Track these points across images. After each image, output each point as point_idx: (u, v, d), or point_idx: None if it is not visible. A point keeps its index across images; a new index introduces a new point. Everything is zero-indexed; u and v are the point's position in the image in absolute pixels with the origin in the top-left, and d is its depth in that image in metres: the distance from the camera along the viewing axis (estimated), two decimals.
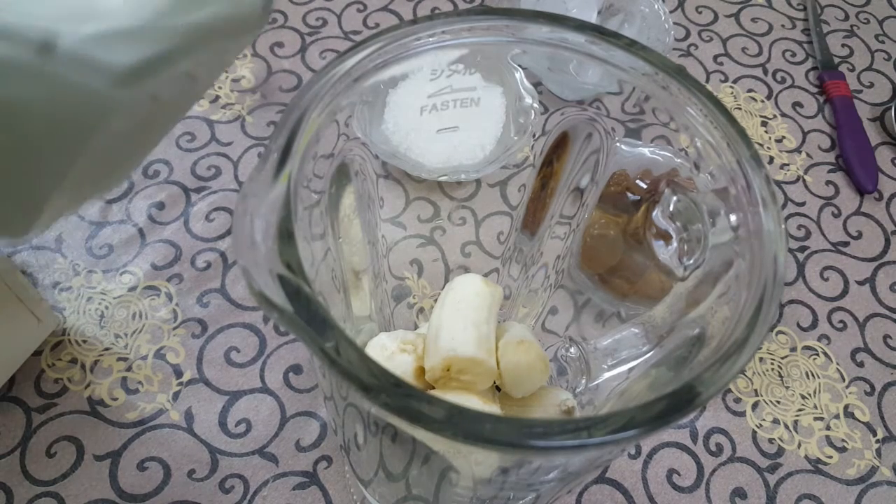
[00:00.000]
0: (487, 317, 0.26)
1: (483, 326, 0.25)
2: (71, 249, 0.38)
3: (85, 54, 0.13)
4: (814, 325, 0.40)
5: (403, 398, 0.15)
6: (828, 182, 0.46)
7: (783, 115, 0.49)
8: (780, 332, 0.39)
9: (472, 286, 0.26)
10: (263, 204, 0.17)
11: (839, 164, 0.47)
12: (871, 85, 0.51)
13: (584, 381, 0.28)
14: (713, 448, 0.35)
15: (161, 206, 0.39)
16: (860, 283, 0.42)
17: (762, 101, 0.49)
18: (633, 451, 0.34)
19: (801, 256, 0.42)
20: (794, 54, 0.52)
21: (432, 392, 0.25)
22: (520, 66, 0.26)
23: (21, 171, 0.15)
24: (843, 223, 0.44)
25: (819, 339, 0.39)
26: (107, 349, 0.35)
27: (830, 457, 0.35)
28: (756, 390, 0.37)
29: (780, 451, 0.35)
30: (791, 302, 0.40)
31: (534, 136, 0.28)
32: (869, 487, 0.35)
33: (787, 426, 0.36)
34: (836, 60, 0.52)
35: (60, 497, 0.31)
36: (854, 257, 0.43)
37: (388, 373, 0.16)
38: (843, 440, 0.36)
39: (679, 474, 0.34)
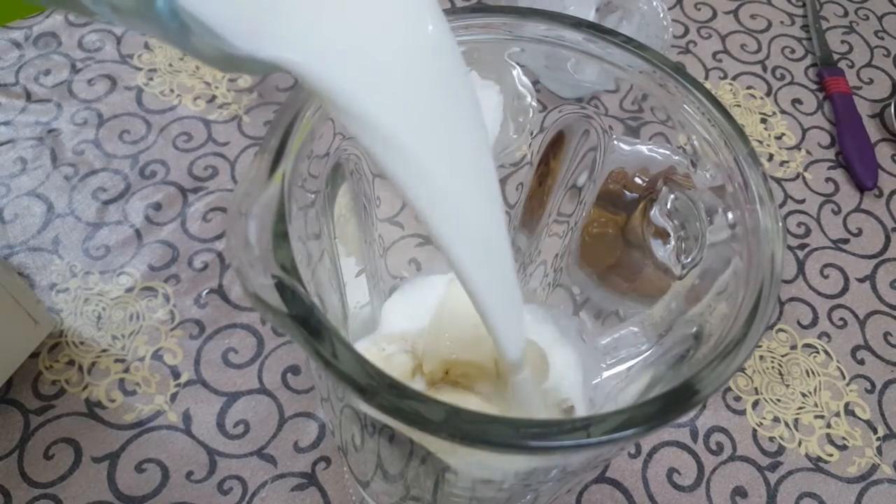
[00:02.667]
0: None
1: (482, 327, 0.25)
2: (68, 251, 0.38)
3: None
4: (814, 322, 0.40)
5: (399, 399, 0.15)
6: (827, 179, 0.46)
7: (783, 111, 0.49)
8: (780, 329, 0.39)
9: None
10: (257, 204, 0.17)
11: (839, 160, 0.47)
12: (871, 81, 0.51)
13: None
14: (713, 447, 0.35)
15: (158, 206, 0.39)
16: (860, 280, 0.41)
17: (761, 98, 0.49)
18: (633, 451, 0.34)
19: (801, 254, 0.42)
20: (793, 51, 0.52)
21: (430, 392, 0.25)
22: (517, 63, 0.26)
23: None
24: (843, 220, 0.44)
25: (819, 337, 0.39)
26: (104, 350, 0.35)
27: (831, 455, 0.35)
28: (756, 388, 0.37)
29: (781, 450, 0.35)
30: (791, 300, 0.40)
31: (531, 134, 0.27)
32: (870, 485, 0.35)
33: (787, 424, 0.36)
34: (836, 57, 0.52)
35: (59, 499, 0.31)
36: (854, 254, 0.42)
37: (384, 374, 0.16)
38: (843, 438, 0.36)
39: (679, 473, 0.34)
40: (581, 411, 0.27)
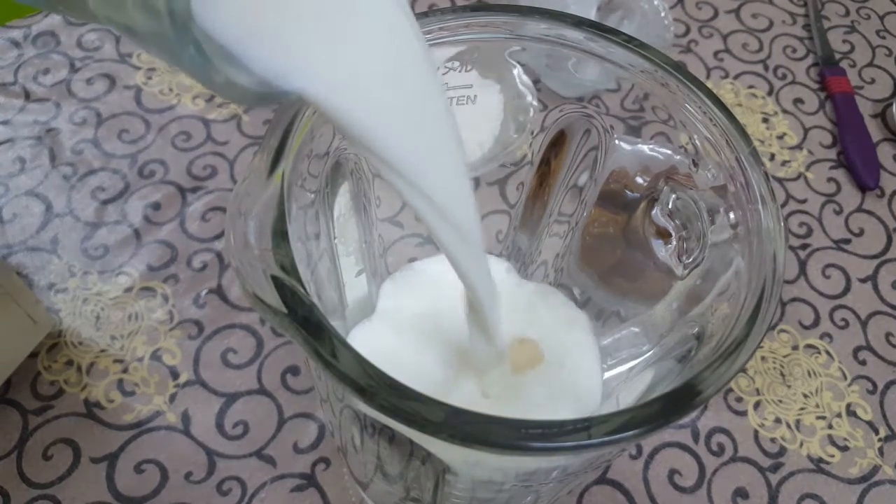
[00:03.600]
0: None
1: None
2: (66, 251, 0.37)
3: None
4: (815, 323, 0.39)
5: (399, 400, 0.15)
6: (829, 179, 0.46)
7: (784, 111, 0.49)
8: (781, 330, 0.39)
9: None
10: (257, 204, 0.17)
11: (840, 160, 0.47)
12: (873, 81, 0.51)
13: None
14: (715, 448, 0.35)
15: (157, 206, 0.39)
16: (862, 280, 0.41)
17: (763, 98, 0.49)
18: (634, 452, 0.34)
19: (802, 254, 0.42)
20: (794, 50, 0.52)
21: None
22: (518, 62, 0.25)
23: None
24: (845, 220, 0.44)
25: (821, 338, 0.39)
26: (103, 351, 0.35)
27: (833, 456, 0.35)
28: (758, 389, 0.37)
29: (782, 451, 0.35)
30: (793, 300, 0.40)
31: (532, 133, 0.27)
32: (871, 487, 0.34)
33: (789, 425, 0.36)
34: (837, 56, 0.52)
35: (57, 500, 0.31)
36: (856, 255, 0.42)
37: (384, 374, 0.15)
38: (845, 439, 0.36)
39: (680, 474, 0.34)
40: (595, 397, 0.26)
